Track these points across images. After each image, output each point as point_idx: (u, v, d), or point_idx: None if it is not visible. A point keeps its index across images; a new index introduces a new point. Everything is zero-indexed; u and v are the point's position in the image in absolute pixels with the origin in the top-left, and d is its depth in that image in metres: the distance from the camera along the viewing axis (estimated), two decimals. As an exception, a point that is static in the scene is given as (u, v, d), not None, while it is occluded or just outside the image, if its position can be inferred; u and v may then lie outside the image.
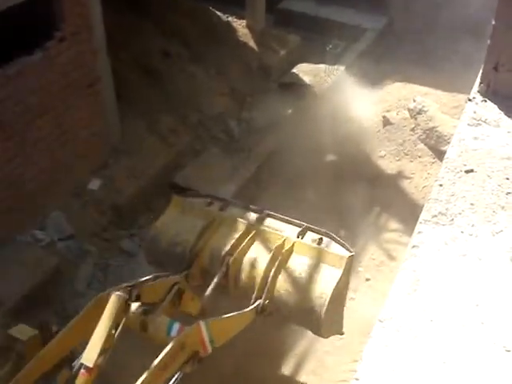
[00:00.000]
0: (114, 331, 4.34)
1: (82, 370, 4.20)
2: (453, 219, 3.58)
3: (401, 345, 2.75)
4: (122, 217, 7.70)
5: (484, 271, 3.24)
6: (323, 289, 5.04)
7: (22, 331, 4.64)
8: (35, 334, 4.62)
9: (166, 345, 4.32)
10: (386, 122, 9.49)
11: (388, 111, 9.70)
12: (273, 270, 5.20)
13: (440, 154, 8.38)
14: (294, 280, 5.20)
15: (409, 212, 8.00)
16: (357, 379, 2.51)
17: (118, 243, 7.57)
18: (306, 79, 10.35)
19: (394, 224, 8.24)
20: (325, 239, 5.32)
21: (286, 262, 5.26)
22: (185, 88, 9.28)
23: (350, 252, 5.15)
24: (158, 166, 8.25)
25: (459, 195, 3.74)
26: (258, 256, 5.37)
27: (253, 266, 5.36)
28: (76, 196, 7.69)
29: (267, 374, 6.31)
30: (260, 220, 5.59)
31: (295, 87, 10.19)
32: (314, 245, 5.26)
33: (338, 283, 5.03)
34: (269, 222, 5.58)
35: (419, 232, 3.50)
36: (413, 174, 8.87)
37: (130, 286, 4.57)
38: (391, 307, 2.90)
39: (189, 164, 8.55)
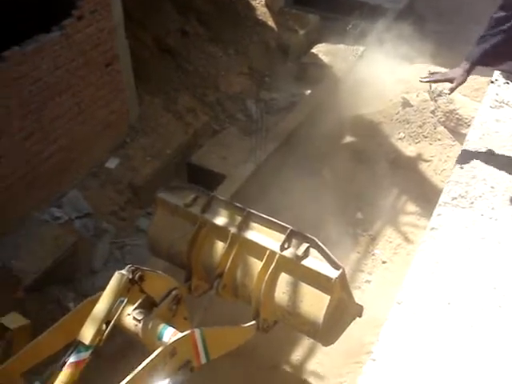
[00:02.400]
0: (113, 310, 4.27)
1: (70, 362, 4.11)
2: (473, 202, 3.53)
3: (418, 327, 2.72)
4: (138, 196, 7.72)
5: (503, 255, 3.20)
6: (314, 315, 4.68)
7: (13, 320, 4.64)
8: (25, 324, 4.63)
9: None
10: (406, 104, 9.37)
11: (407, 93, 9.58)
12: (262, 289, 4.83)
13: (460, 137, 8.28)
14: (284, 300, 4.81)
15: (427, 195, 7.95)
16: (373, 360, 2.50)
17: (135, 222, 7.61)
18: (325, 59, 10.26)
19: (411, 207, 8.17)
20: (311, 249, 4.76)
21: (274, 279, 4.85)
22: (203, 67, 9.26)
23: (338, 269, 4.58)
24: (175, 145, 8.24)
25: (480, 178, 3.68)
26: (245, 274, 5.04)
27: (243, 284, 5.05)
28: (93, 175, 7.72)
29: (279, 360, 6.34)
30: (243, 225, 5.07)
31: (314, 67, 10.11)
32: (300, 262, 4.70)
33: (328, 307, 4.61)
34: (252, 226, 5.06)
35: (438, 214, 3.47)
36: (432, 156, 8.77)
37: (134, 267, 4.47)
38: (409, 289, 2.88)
39: (206, 144, 8.54)
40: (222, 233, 5.13)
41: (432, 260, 3.17)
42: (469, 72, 3.85)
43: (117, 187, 7.67)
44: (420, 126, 9.11)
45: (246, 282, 5.03)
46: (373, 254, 7.55)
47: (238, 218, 5.11)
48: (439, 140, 8.94)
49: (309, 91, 9.58)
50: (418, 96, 9.46)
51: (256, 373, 6.03)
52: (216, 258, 5.14)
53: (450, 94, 4.79)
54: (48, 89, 6.84)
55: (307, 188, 7.14)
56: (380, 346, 2.73)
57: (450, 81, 3.95)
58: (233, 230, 5.06)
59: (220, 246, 5.15)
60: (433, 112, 9.15)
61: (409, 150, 8.90)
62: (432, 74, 6.94)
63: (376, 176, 8.03)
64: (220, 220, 5.19)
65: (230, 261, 5.05)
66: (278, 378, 6.18)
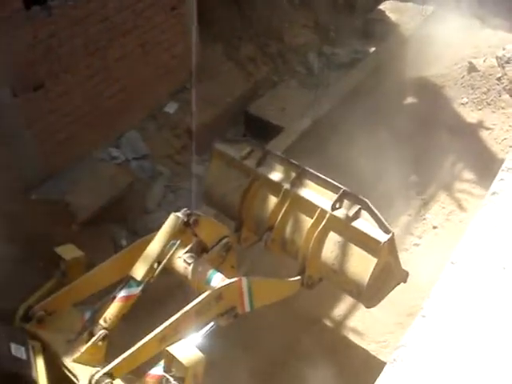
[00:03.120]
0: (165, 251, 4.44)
1: (121, 296, 4.32)
2: (537, 169, 3.46)
3: (470, 288, 2.71)
4: (195, 141, 7.78)
5: None
6: (360, 276, 4.74)
7: (68, 251, 4.81)
8: (79, 256, 4.78)
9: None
10: (472, 69, 9.12)
11: (475, 57, 9.32)
12: (310, 245, 4.94)
13: (525, 106, 8.06)
14: (331, 259, 4.90)
15: (485, 164, 7.80)
16: (423, 316, 2.51)
17: (190, 167, 7.69)
18: (393, 17, 10.02)
19: (468, 174, 8.03)
20: (362, 211, 4.82)
21: (323, 238, 4.94)
22: (267, 16, 9.12)
23: (388, 233, 4.64)
24: (234, 93, 8.23)
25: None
26: (295, 230, 5.13)
27: (292, 240, 5.14)
28: (152, 117, 7.79)
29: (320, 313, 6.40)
30: (296, 182, 5.15)
31: (380, 25, 9.88)
32: (350, 223, 4.78)
33: (374, 270, 4.68)
34: (306, 183, 5.12)
35: (501, 179, 3.41)
36: (494, 124, 8.56)
37: (190, 211, 4.62)
38: (464, 250, 2.85)
39: (265, 94, 8.50)
40: (274, 187, 5.23)
41: (490, 224, 3.14)
42: None
43: (174, 132, 7.74)
44: (484, 93, 8.89)
45: (294, 238, 5.13)
46: (424, 219, 7.48)
47: (292, 175, 5.19)
48: (503, 108, 8.71)
49: (373, 49, 9.40)
50: (485, 61, 9.20)
51: (296, 324, 6.12)
52: (267, 212, 5.24)
53: None
54: (114, 28, 6.88)
55: (364, 146, 7.07)
56: (431, 303, 2.73)
57: None
58: (286, 185, 5.15)
59: (272, 201, 5.24)
60: (499, 79, 8.90)
61: (471, 116, 8.72)
62: None
63: (435, 140, 7.89)
64: (274, 175, 5.28)
65: (280, 216, 5.15)
66: (317, 331, 6.26)
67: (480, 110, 8.76)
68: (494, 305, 2.64)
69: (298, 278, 5.07)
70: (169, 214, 4.64)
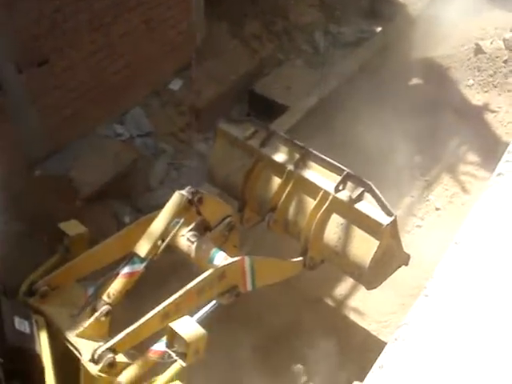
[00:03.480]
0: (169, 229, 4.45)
1: (124, 272, 4.35)
2: (543, 151, 3.44)
3: (474, 267, 2.72)
4: (199, 119, 7.75)
5: None
6: (361, 258, 4.78)
7: (72, 227, 4.81)
8: (83, 232, 4.78)
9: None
10: (479, 51, 9.07)
11: (482, 39, 9.26)
12: (313, 227, 4.96)
13: (531, 90, 8.02)
14: (333, 241, 4.93)
15: (489, 146, 7.79)
16: (426, 295, 2.52)
17: (193, 145, 7.68)
18: (400, -4, 9.93)
19: (472, 157, 8.02)
20: (366, 194, 4.83)
21: (325, 220, 4.96)
22: (273, -6, 9.05)
23: (390, 216, 4.66)
24: (239, 71, 8.16)
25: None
26: (298, 211, 5.16)
27: (294, 221, 5.17)
28: (156, 94, 7.75)
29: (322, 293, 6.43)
30: (300, 163, 5.16)
31: (387, 4, 9.80)
32: (353, 205, 4.81)
33: (376, 252, 4.72)
34: (309, 164, 5.14)
35: (507, 161, 3.40)
36: (499, 107, 8.54)
37: (194, 189, 4.65)
38: (468, 231, 2.86)
39: (270, 73, 8.46)
40: (278, 168, 5.24)
41: (495, 205, 3.13)
42: None
43: (178, 109, 7.71)
44: (491, 75, 8.86)
45: (297, 219, 5.15)
46: (427, 200, 7.49)
47: (296, 156, 5.20)
48: (509, 91, 8.70)
49: (379, 28, 9.33)
50: (492, 43, 9.16)
51: (298, 303, 6.16)
52: (270, 193, 5.26)
53: None
54: (119, 4, 6.82)
55: (368, 126, 7.05)
56: (434, 283, 2.73)
57: None
58: (289, 166, 5.16)
59: (275, 181, 5.26)
60: (505, 61, 8.89)
61: (476, 98, 8.70)
62: None
63: (440, 121, 7.86)
64: (277, 156, 5.28)
65: (283, 197, 5.17)
66: (318, 310, 6.30)
67: (486, 92, 8.73)
68: (498, 285, 2.65)
69: (300, 259, 5.11)
70: (172, 191, 4.65)
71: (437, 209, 7.38)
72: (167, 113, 7.67)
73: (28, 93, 6.20)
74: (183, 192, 4.57)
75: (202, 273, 4.40)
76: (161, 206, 4.65)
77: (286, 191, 5.16)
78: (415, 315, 2.73)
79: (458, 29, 9.32)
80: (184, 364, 3.78)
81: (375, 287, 5.16)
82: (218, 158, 5.70)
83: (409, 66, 8.63)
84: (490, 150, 7.63)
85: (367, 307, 6.34)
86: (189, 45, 7.99)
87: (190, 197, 4.56)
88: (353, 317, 6.32)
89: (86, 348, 4.08)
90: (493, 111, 8.50)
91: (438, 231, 6.82)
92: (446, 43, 9.17)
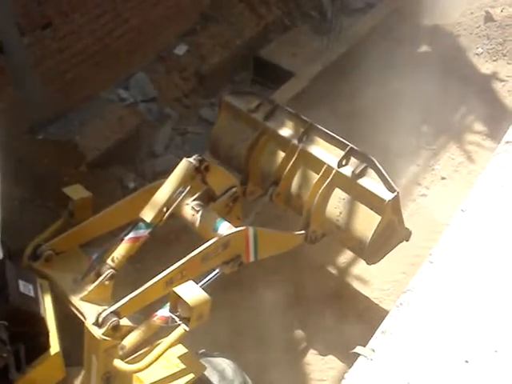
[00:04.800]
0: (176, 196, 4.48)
1: (129, 237, 4.39)
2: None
3: (480, 235, 2.70)
4: (204, 85, 7.69)
5: None
6: (363, 233, 4.79)
7: (76, 191, 4.80)
8: (87, 197, 4.78)
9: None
10: (489, 18, 8.92)
11: (492, 7, 9.10)
12: (315, 201, 4.96)
13: (541, 58, 7.92)
14: (335, 215, 4.94)
15: (497, 116, 7.71)
16: (431, 262, 2.51)
17: (198, 111, 7.63)
18: (409, -38, 9.70)
19: (478, 126, 7.93)
20: (369, 169, 4.83)
21: (328, 194, 4.97)
22: (280, -42, 8.89)
23: (393, 192, 4.66)
24: (245, 37, 8.08)
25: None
26: (300, 185, 5.17)
27: (297, 195, 5.18)
28: (161, 59, 7.68)
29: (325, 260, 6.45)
30: (304, 137, 5.15)
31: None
32: (355, 180, 4.81)
33: (377, 228, 4.72)
34: (313, 139, 5.13)
35: (514, 129, 3.35)
36: (508, 76, 8.42)
37: (201, 158, 4.67)
38: (475, 198, 2.83)
39: (276, 39, 8.36)
40: (282, 142, 5.23)
41: (503, 173, 3.11)
42: None
43: (183, 74, 7.65)
44: (500, 44, 8.73)
45: (299, 193, 5.16)
46: (433, 169, 7.43)
47: (300, 130, 5.18)
48: (518, 60, 8.57)
49: (388, -6, 9.18)
50: (502, 11, 9.01)
51: (300, 270, 6.17)
52: (273, 166, 5.25)
53: None
54: (124, -34, 6.74)
55: (375, 93, 6.98)
56: (439, 249, 2.72)
57: None
58: (293, 140, 5.15)
59: (279, 155, 5.25)
60: (516, 30, 8.72)
61: (485, 67, 8.58)
62: None
63: (447, 90, 7.76)
64: (282, 129, 5.27)
65: (286, 170, 5.17)
66: (321, 277, 6.31)
67: (495, 61, 8.61)
68: (503, 252, 2.63)
69: (302, 232, 5.12)
70: (177, 157, 4.66)
71: (442, 178, 7.32)
72: (172, 78, 7.61)
73: (31, 56, 6.15)
74: (191, 160, 4.58)
75: (206, 242, 4.40)
76: (165, 172, 4.66)
77: (290, 165, 5.16)
78: (420, 281, 2.72)
79: (468, -5, 9.16)
80: (187, 329, 3.79)
81: (375, 262, 5.19)
82: (222, 130, 5.68)
83: (417, 33, 8.51)
84: (497, 119, 7.56)
85: (370, 275, 6.34)
86: (194, 9, 7.89)
87: (197, 165, 4.58)
88: (356, 284, 6.33)
89: (90, 311, 4.10)
90: (501, 80, 8.38)
91: (443, 200, 6.79)
92: (455, 10, 9.02)
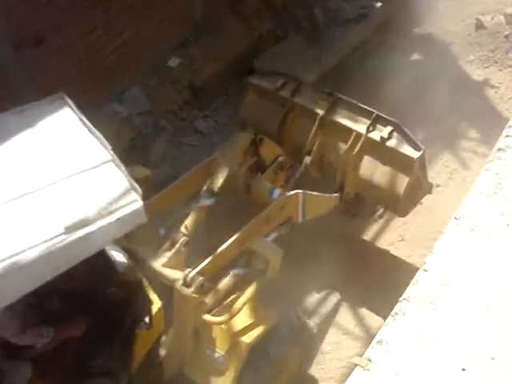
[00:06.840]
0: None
1: (198, 206, 4.78)
2: (543, 126, 3.42)
3: (473, 244, 2.72)
4: (198, 97, 7.71)
5: None
6: (396, 190, 5.23)
7: (139, 171, 4.95)
8: (148, 175, 4.98)
9: (267, 205, 4.81)
10: (479, 26, 9.03)
11: (483, 14, 9.19)
12: (348, 165, 5.40)
13: (532, 65, 7.97)
14: (368, 176, 5.37)
15: (490, 122, 7.72)
16: (425, 270, 2.52)
17: (193, 123, 7.66)
18: (400, -28, 9.77)
19: (472, 133, 7.97)
20: (394, 133, 5.32)
21: (359, 158, 5.41)
22: (272, -31, 8.92)
23: (419, 150, 5.13)
24: (238, 48, 8.11)
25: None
26: (333, 152, 5.57)
27: (329, 162, 5.59)
28: (155, 72, 7.71)
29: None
30: (331, 109, 5.59)
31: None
32: (384, 143, 5.29)
33: (407, 184, 5.18)
34: (340, 110, 5.58)
35: (507, 136, 3.38)
36: (500, 83, 8.50)
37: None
38: (468, 206, 2.85)
39: (269, 50, 8.39)
40: (310, 115, 5.63)
41: (495, 181, 3.14)
42: None
43: (177, 86, 7.67)
44: (491, 51, 8.84)
45: (331, 160, 5.62)
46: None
47: (326, 102, 5.61)
48: (509, 67, 8.69)
49: (379, 4, 9.22)
50: (493, 19, 9.11)
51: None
52: (305, 138, 5.66)
53: None
54: (116, -19, 6.77)
55: (369, 100, 6.97)
56: (433, 258, 2.74)
57: None
58: (321, 112, 5.56)
59: (309, 127, 5.64)
60: (506, 37, 8.88)
61: (477, 73, 8.67)
62: None
63: (440, 97, 7.80)
64: (309, 103, 5.69)
65: (317, 141, 5.60)
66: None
67: (486, 67, 8.70)
68: (497, 260, 2.65)
69: (337, 194, 5.54)
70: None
71: (437, 185, 7.33)
72: (166, 90, 7.64)
73: (25, 71, 6.16)
74: (246, 133, 5.24)
75: (262, 208, 4.79)
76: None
77: (320, 136, 5.56)
78: (414, 290, 2.74)
79: (459, 4, 9.23)
80: (265, 280, 4.24)
81: (406, 214, 5.71)
82: (251, 109, 6.03)
83: (409, 41, 8.56)
84: (490, 125, 7.57)
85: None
86: (187, 21, 7.92)
87: (253, 136, 5.25)
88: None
89: (173, 275, 4.31)
90: (493, 87, 8.47)
91: (438, 207, 6.81)
92: (446, 18, 9.09)
